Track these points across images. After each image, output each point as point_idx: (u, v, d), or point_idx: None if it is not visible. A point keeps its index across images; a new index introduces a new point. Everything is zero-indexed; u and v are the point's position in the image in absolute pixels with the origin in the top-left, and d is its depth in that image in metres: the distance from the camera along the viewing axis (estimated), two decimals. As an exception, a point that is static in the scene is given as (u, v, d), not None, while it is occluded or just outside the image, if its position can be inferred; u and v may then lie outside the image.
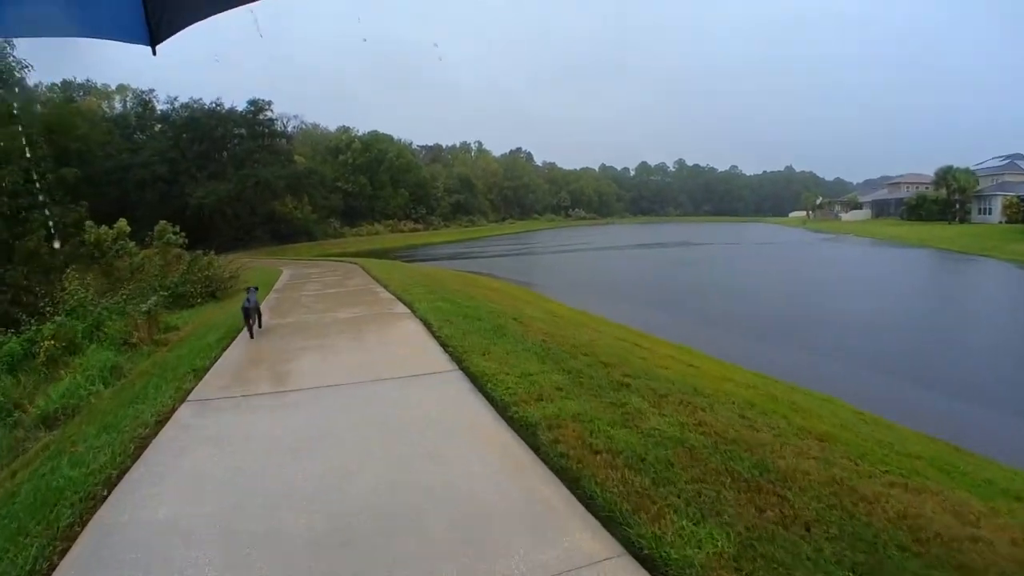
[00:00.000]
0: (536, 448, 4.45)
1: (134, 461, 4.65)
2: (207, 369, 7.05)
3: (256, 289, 9.28)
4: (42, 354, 8.85)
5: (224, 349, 8.04)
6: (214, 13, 2.12)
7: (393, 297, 12.20)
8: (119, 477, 4.37)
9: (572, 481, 3.95)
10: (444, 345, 7.34)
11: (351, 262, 25.74)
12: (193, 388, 6.34)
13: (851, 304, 20.39)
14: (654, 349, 9.79)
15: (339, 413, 5.33)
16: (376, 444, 4.58)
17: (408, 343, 7.94)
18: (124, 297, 11.38)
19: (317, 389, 6.06)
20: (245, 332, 8.82)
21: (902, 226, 59.44)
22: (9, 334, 9.82)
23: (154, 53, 2.11)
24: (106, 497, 4.09)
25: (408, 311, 10.16)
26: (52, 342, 8.91)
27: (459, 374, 6.27)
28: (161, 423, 5.43)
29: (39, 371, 8.87)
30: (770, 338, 14.67)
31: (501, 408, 5.18)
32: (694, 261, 39.23)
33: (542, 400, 5.30)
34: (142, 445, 4.94)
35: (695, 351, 11.28)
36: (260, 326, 9.03)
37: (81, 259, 18.83)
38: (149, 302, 10.60)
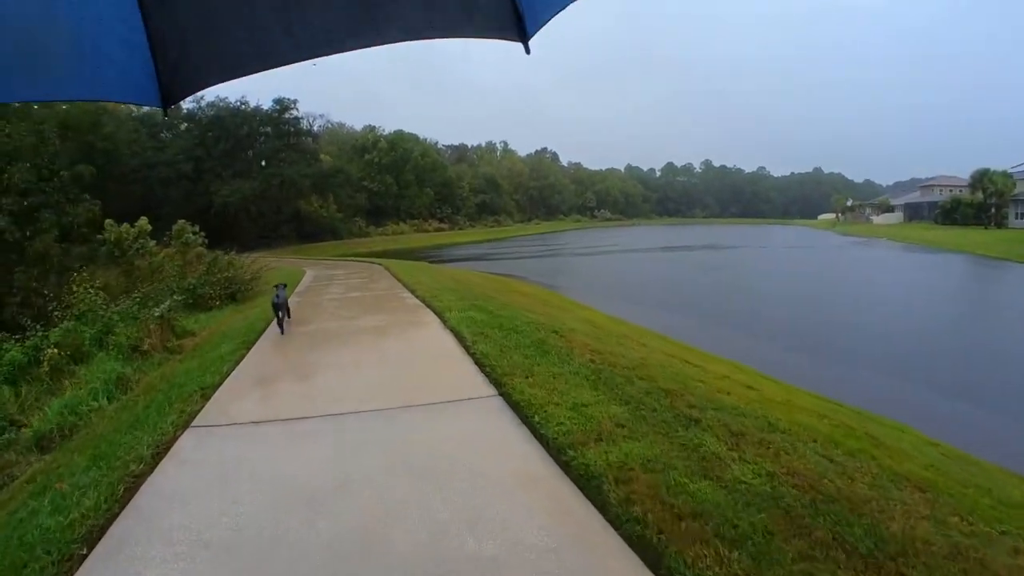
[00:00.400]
0: (603, 507, 3.63)
1: (123, 507, 3.95)
2: (217, 386, 6.33)
3: (284, 286, 9.88)
4: (45, 363, 8.22)
5: (237, 363, 7.33)
6: (227, 80, 2.13)
7: (420, 303, 11.45)
8: (102, 530, 3.66)
9: (654, 559, 3.13)
10: (480, 364, 6.52)
11: (376, 263, 25.09)
12: (199, 411, 5.62)
13: (896, 312, 19.24)
14: (706, 367, 8.91)
15: (362, 451, 4.53)
16: (406, 500, 3.77)
17: (439, 359, 7.14)
18: (137, 300, 10.73)
19: (337, 417, 5.27)
20: (260, 343, 8.29)
21: (936, 230, 57.29)
22: (13, 340, 9.21)
23: (165, 115, 2.18)
24: (85, 557, 3.38)
25: (437, 320, 9.38)
26: (55, 350, 8.28)
27: (499, 401, 5.46)
28: (159, 455, 4.72)
29: (43, 381, 8.24)
30: (818, 352, 13.63)
31: (555, 450, 4.36)
32: (726, 266, 37.86)
33: (602, 441, 4.47)
34: (134, 486, 4.23)
35: (745, 367, 10.38)
36: (289, 316, 9.72)
37: (97, 260, 18.38)
38: (162, 307, 9.95)
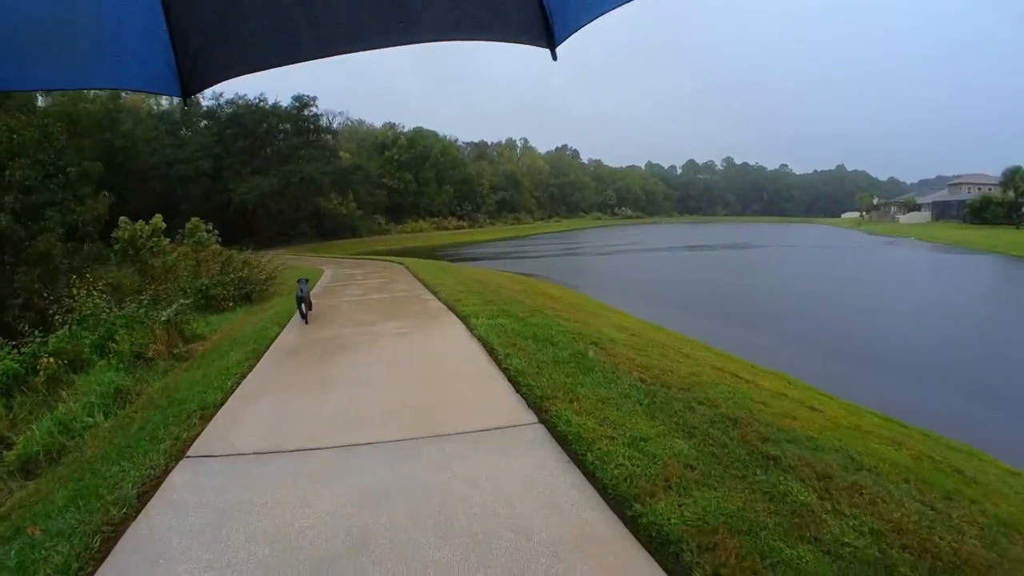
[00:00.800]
0: (685, 582, 2.87)
1: (97, 566, 3.29)
2: (219, 405, 5.64)
3: (307, 281, 10.45)
4: (42, 373, 7.60)
5: (244, 376, 6.64)
6: (248, 72, 2.11)
7: (444, 307, 10.71)
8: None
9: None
10: (515, 382, 5.75)
11: (396, 262, 24.39)
12: (197, 436, 4.92)
13: (942, 317, 18.16)
14: (757, 382, 8.08)
15: (382, 497, 3.78)
16: (439, 564, 3.03)
17: (468, 376, 6.35)
18: (144, 303, 10.07)
19: (353, 449, 4.53)
20: (270, 353, 7.69)
21: (967, 230, 55.39)
22: (11, 347, 8.59)
23: (186, 105, 2.41)
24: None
25: (463, 327, 8.63)
26: (51, 360, 7.65)
27: (541, 431, 4.69)
28: (147, 493, 4.03)
29: (39, 392, 7.63)
30: (865, 361, 12.68)
31: (615, 500, 3.59)
32: (756, 266, 36.65)
33: (672, 488, 3.70)
34: (113, 536, 3.56)
35: (797, 382, 9.52)
36: (311, 308, 10.33)
37: (103, 259, 17.85)
38: (169, 310, 9.30)
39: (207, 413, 5.39)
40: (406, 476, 4.03)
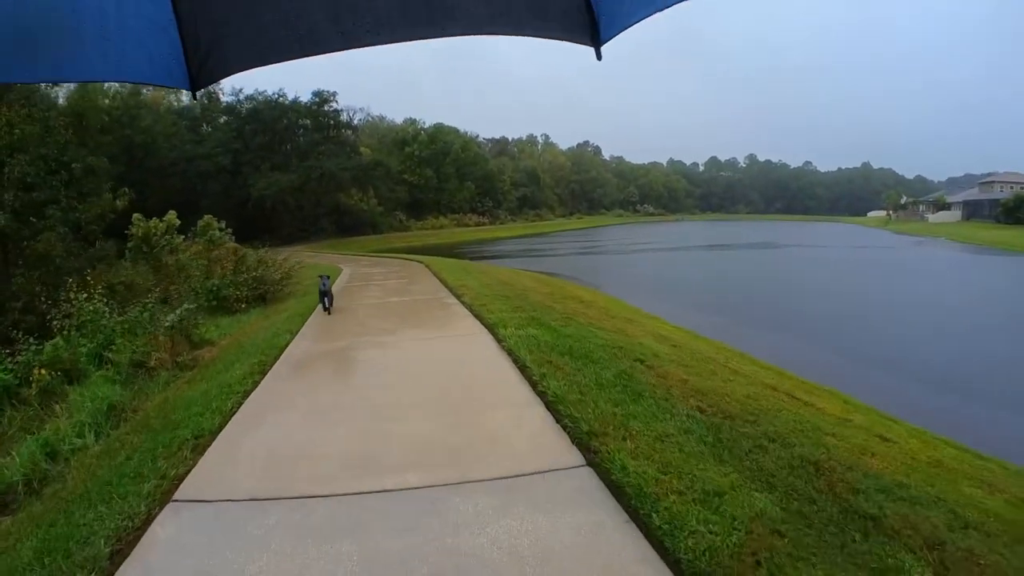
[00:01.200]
0: None
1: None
2: (216, 433, 4.95)
3: (328, 277, 11.24)
4: (34, 385, 7.00)
5: (247, 394, 5.95)
6: (262, 65, 2.02)
7: (468, 312, 9.97)
8: None
9: None
10: (555, 411, 4.98)
11: (417, 260, 23.68)
12: (187, 473, 4.25)
13: (1004, 327, 17.02)
14: (816, 404, 7.28)
15: (400, 571, 3.06)
16: None
17: (499, 401, 5.56)
18: (150, 306, 9.42)
19: (365, 499, 3.78)
20: (278, 364, 7.09)
21: (1001, 230, 53.18)
22: (4, 355, 8.00)
23: (195, 98, 2.19)
24: None
25: (491, 338, 7.85)
26: (44, 371, 7.04)
27: (590, 477, 3.93)
28: (121, 552, 3.37)
29: (32, 406, 7.03)
30: (921, 377, 11.69)
31: (696, 585, 2.84)
32: (789, 267, 35.39)
33: (761, 566, 2.95)
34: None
35: (856, 401, 8.68)
36: (331, 302, 11.00)
37: (107, 259, 17.34)
38: (171, 316, 8.66)
39: (201, 443, 4.71)
40: (428, 540, 3.29)
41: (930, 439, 7.23)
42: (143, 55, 1.79)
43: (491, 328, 8.26)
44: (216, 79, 2.00)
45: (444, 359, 7.36)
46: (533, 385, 5.67)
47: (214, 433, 4.91)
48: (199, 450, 4.59)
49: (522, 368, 6.24)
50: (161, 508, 3.81)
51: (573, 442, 4.39)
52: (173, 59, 1.82)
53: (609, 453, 4.07)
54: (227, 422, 5.16)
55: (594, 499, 3.65)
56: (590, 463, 4.07)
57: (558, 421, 4.79)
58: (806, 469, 4.21)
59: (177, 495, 3.95)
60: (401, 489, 3.85)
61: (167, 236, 16.82)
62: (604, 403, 5.06)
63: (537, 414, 5.03)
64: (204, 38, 1.83)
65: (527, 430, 4.73)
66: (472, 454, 4.33)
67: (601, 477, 3.87)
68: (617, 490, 3.68)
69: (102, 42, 1.67)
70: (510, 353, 6.87)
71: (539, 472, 3.99)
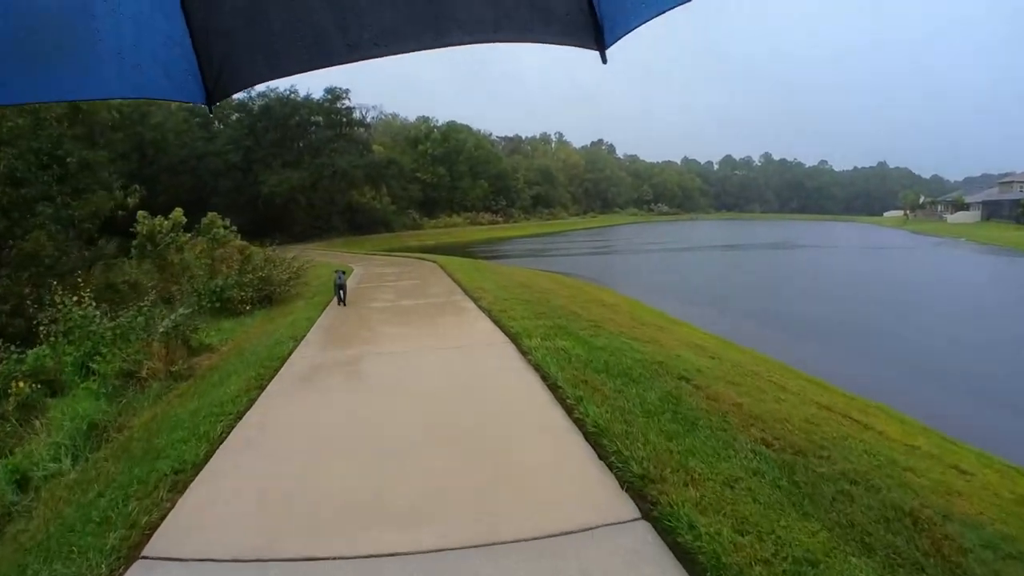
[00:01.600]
0: None
1: None
2: (201, 464, 4.27)
3: (344, 273, 12.06)
4: (12, 399, 6.37)
5: (241, 415, 5.26)
6: (275, 78, 2.07)
7: (487, 318, 9.25)
8: None
9: None
10: (598, 445, 4.21)
11: (430, 260, 22.98)
12: (163, 519, 3.57)
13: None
14: (874, 426, 6.54)
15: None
16: None
17: (529, 431, 4.79)
18: (145, 309, 8.73)
19: (369, 564, 3.09)
20: (279, 378, 6.51)
21: (1022, 231, 52.05)
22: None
23: (211, 111, 2.05)
24: None
25: (515, 350, 7.10)
26: (23, 383, 6.41)
27: (648, 533, 3.20)
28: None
29: (9, 421, 6.39)
30: (974, 392, 10.84)
31: None
32: (813, 268, 34.32)
33: None
34: None
35: (910, 420, 7.93)
36: (345, 295, 11.61)
37: (107, 258, 16.75)
38: (165, 322, 7.99)
39: (181, 479, 4.02)
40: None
41: (1000, 467, 6.46)
42: (159, 71, 1.78)
43: (515, 339, 7.52)
44: (231, 93, 1.97)
45: (463, 374, 6.61)
46: (568, 411, 4.91)
47: (198, 466, 4.22)
48: (179, 488, 3.92)
49: (553, 387, 5.50)
50: (127, 567, 3.14)
51: (623, 486, 3.66)
52: (189, 74, 1.82)
53: (671, 505, 3.34)
54: (214, 451, 4.47)
55: (659, 567, 2.93)
56: (646, 515, 3.35)
57: (602, 457, 4.06)
58: (902, 522, 3.49)
59: (147, 550, 3.28)
60: (414, 553, 3.12)
61: (172, 234, 16.23)
62: (654, 435, 4.32)
63: (576, 448, 4.28)
64: (218, 53, 1.83)
65: (566, 471, 3.98)
66: (500, 502, 3.60)
67: (662, 536, 3.15)
68: (687, 557, 2.95)
69: (117, 60, 1.65)
70: (538, 368, 6.14)
71: (585, 529, 3.26)
